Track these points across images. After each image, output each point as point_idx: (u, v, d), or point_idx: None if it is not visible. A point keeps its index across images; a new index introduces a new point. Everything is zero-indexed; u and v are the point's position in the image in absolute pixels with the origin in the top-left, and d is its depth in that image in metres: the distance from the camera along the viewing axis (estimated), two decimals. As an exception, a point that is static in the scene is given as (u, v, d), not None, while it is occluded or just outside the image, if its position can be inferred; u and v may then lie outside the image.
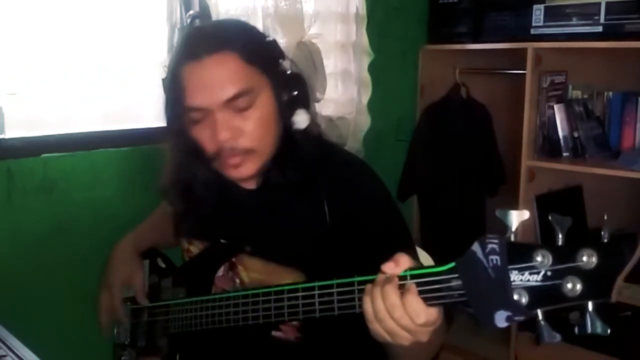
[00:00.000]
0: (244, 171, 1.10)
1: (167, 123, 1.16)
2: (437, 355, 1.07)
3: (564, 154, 2.28)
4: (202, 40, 1.09)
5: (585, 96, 2.38)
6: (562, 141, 2.28)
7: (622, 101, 2.32)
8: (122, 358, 1.34)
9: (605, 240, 0.69)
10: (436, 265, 0.79)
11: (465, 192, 2.56)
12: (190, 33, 1.17)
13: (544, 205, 2.29)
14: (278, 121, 1.11)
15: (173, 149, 1.17)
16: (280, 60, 1.12)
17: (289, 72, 1.12)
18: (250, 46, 1.09)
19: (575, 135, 2.28)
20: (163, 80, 1.14)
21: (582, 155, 2.26)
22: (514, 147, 2.35)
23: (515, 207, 0.74)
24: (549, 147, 2.30)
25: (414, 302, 0.78)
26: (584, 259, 0.69)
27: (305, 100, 1.13)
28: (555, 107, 2.28)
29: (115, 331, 1.37)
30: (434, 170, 2.53)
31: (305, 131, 1.14)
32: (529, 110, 2.25)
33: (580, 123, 2.30)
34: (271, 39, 1.15)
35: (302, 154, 1.12)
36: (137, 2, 1.84)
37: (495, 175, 2.60)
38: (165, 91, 1.14)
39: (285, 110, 1.11)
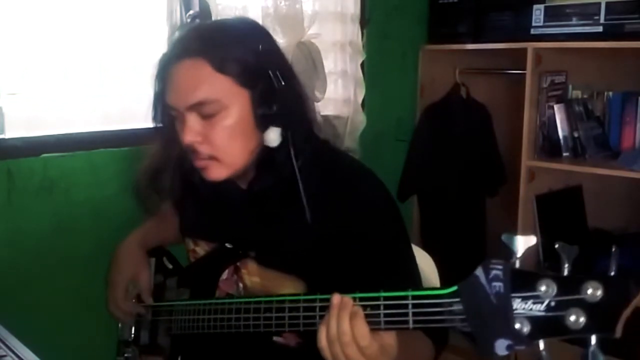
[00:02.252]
0: (211, 175, 1.10)
1: (157, 116, 1.17)
2: (437, 355, 1.06)
3: (564, 154, 2.28)
4: (185, 41, 1.09)
5: (585, 96, 2.38)
6: (562, 141, 2.28)
7: (622, 101, 2.32)
8: (125, 355, 1.35)
9: (612, 274, 0.68)
10: (439, 288, 0.79)
11: (465, 192, 2.56)
12: (184, 31, 1.17)
13: (544, 205, 2.29)
14: (253, 133, 1.08)
15: (163, 141, 1.18)
16: (270, 72, 1.06)
17: (277, 85, 1.06)
18: (228, 55, 1.05)
19: (575, 135, 2.28)
20: (156, 74, 1.15)
21: (582, 155, 2.26)
22: (514, 147, 2.35)
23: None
24: (549, 147, 2.30)
25: (361, 325, 0.81)
26: (589, 291, 0.67)
27: (285, 119, 1.07)
28: (555, 107, 2.28)
29: (119, 327, 1.37)
30: (434, 170, 2.53)
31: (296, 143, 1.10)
32: (529, 110, 2.25)
33: (580, 123, 2.30)
34: (264, 48, 1.08)
35: (285, 167, 1.08)
36: (137, 2, 1.84)
37: (495, 176, 2.60)
38: (155, 85, 1.15)
39: (262, 125, 1.07)
